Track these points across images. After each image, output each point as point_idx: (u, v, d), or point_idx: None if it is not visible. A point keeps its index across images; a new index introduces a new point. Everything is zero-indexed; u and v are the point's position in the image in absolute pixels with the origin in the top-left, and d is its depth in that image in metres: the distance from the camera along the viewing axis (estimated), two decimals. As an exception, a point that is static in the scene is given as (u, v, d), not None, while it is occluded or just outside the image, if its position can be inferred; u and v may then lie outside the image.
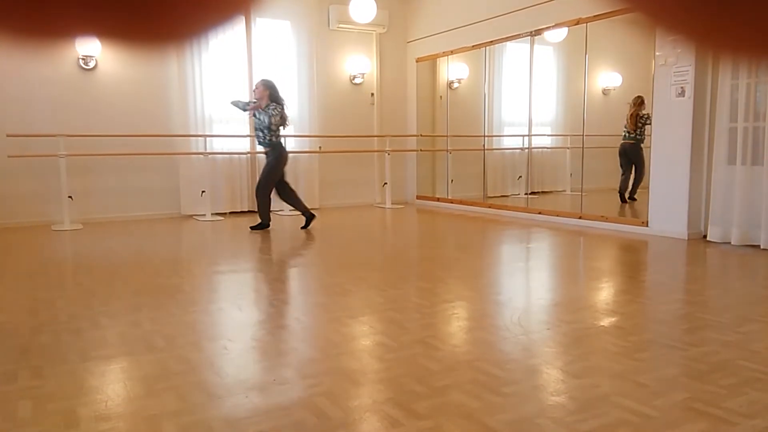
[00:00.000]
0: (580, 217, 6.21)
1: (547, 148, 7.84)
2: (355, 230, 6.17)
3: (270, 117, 5.67)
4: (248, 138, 7.46)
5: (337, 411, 1.86)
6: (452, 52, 7.79)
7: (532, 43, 6.75)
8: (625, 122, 6.62)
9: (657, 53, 5.27)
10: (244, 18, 7.22)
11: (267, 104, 5.69)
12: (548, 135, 7.75)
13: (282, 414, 1.84)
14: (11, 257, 4.67)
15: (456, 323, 2.86)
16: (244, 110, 5.85)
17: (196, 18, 0.23)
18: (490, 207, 7.39)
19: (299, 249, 5.08)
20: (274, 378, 2.14)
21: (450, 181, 8.22)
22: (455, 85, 8.20)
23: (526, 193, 7.22)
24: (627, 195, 6.78)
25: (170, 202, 7.14)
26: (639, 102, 6.46)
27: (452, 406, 1.88)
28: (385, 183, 8.13)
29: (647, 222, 5.49)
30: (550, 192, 7.85)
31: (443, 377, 2.12)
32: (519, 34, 6.74)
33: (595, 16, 5.77)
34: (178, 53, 6.08)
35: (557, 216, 6.44)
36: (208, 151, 7.01)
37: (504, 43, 7.12)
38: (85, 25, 0.22)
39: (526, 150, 7.37)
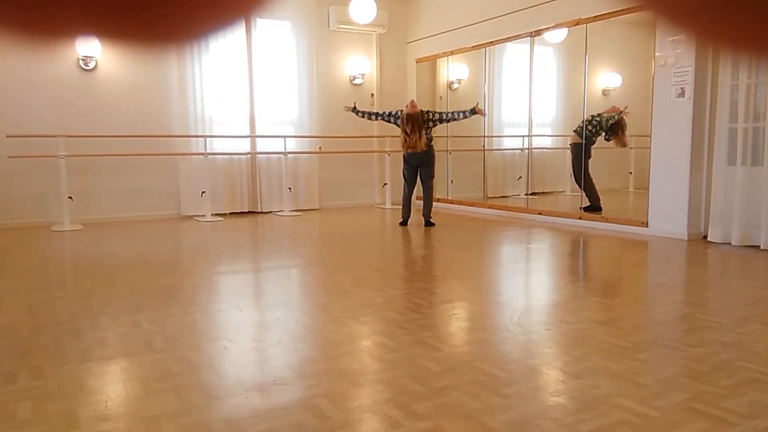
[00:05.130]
0: (580, 218, 6.21)
1: (548, 148, 7.84)
2: (355, 231, 6.17)
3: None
4: (248, 139, 7.47)
5: (336, 412, 1.86)
6: (452, 53, 7.80)
7: (532, 44, 6.75)
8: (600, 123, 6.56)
9: (657, 54, 5.27)
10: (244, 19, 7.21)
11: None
12: (548, 135, 7.75)
13: (282, 415, 1.84)
14: (11, 258, 4.67)
15: (456, 324, 2.86)
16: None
17: (199, 20, 0.23)
18: (490, 207, 7.39)
19: (299, 249, 5.08)
20: (274, 379, 2.14)
21: (450, 181, 8.22)
22: (455, 85, 8.20)
23: (526, 194, 7.22)
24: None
25: (170, 202, 7.14)
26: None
27: (452, 407, 1.88)
28: (385, 184, 8.13)
29: (647, 222, 5.49)
30: (550, 192, 7.85)
31: (443, 378, 2.12)
32: (519, 35, 6.74)
33: (595, 16, 5.77)
34: (179, 54, 6.10)
35: (557, 216, 6.44)
36: (208, 151, 7.01)
37: (504, 44, 7.12)
38: (86, 25, 0.22)
39: (526, 150, 7.37)
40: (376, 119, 6.27)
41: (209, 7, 0.23)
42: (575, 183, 6.61)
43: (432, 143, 6.08)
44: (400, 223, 6.24)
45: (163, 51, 0.24)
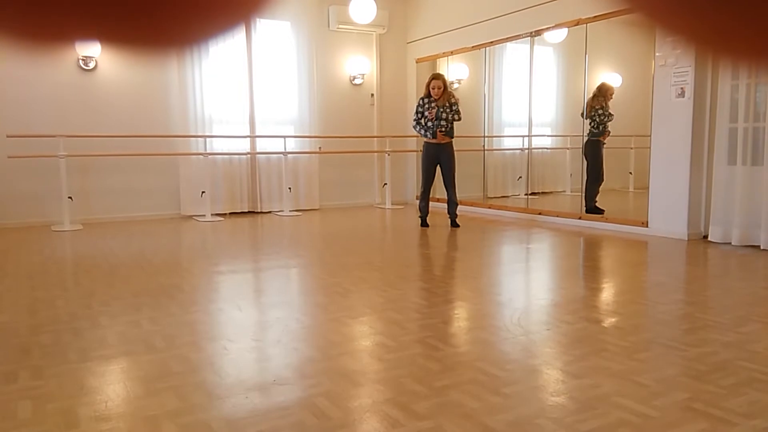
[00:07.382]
0: (580, 218, 6.21)
1: (547, 148, 7.84)
2: (355, 231, 6.17)
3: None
4: (248, 139, 7.47)
5: (336, 411, 1.86)
6: (452, 53, 7.79)
7: (532, 44, 6.75)
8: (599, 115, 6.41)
9: (657, 54, 5.27)
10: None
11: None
12: (548, 135, 7.75)
13: (282, 414, 1.84)
14: (11, 257, 4.67)
15: (456, 323, 2.86)
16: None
17: (199, 25, 0.23)
18: (490, 207, 7.39)
19: (299, 249, 5.08)
20: (274, 378, 2.14)
21: (450, 181, 8.21)
22: (455, 85, 8.19)
23: (526, 194, 7.22)
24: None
25: (170, 202, 7.14)
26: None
27: (452, 407, 1.88)
28: (385, 183, 8.13)
29: (647, 222, 5.49)
30: (550, 192, 7.84)
31: (443, 377, 2.12)
32: (519, 35, 6.74)
33: (594, 16, 5.77)
34: (180, 58, 6.11)
35: (557, 216, 6.44)
36: (208, 151, 7.01)
37: (504, 44, 7.12)
38: (87, 29, 0.22)
39: (526, 150, 7.37)
40: (418, 123, 6.01)
41: (209, 11, 0.23)
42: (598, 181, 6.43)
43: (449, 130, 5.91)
44: (420, 224, 6.13)
45: (164, 55, 0.24)
